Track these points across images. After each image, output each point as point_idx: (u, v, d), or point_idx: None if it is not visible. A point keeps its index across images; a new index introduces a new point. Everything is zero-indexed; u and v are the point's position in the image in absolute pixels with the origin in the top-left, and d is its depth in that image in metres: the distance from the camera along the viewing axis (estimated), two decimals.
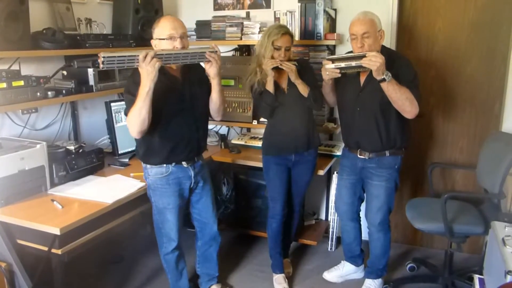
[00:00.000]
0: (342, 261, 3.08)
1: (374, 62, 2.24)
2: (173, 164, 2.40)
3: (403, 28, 3.24)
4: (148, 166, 2.42)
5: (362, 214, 2.92)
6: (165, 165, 2.39)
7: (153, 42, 2.30)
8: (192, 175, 2.48)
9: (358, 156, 2.65)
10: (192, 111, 2.40)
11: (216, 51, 2.28)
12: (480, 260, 3.15)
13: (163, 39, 2.24)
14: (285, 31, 2.61)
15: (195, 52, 2.24)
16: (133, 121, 2.17)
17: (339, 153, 3.22)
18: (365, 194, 2.78)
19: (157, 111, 2.22)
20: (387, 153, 2.58)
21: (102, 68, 2.01)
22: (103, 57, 1.97)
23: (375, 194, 2.66)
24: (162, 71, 2.29)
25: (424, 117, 3.17)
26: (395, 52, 2.70)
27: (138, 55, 2.05)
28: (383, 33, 2.46)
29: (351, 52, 2.51)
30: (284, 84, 2.74)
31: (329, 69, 2.43)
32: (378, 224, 2.68)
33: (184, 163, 2.43)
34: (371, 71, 2.31)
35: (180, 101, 2.34)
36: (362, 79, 2.54)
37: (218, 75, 2.33)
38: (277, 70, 2.64)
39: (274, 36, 2.58)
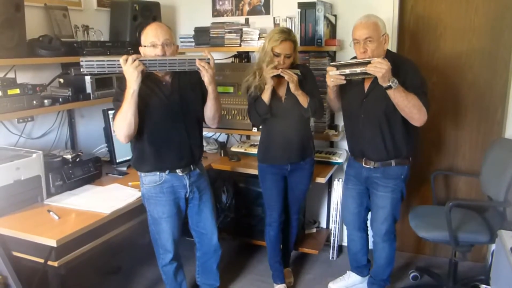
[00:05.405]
0: (347, 272, 3.03)
1: (379, 69, 2.17)
2: (167, 172, 2.36)
3: (403, 34, 3.21)
4: (143, 174, 2.39)
5: (369, 223, 2.87)
6: (158, 173, 2.35)
7: (140, 49, 2.30)
8: (187, 184, 2.43)
9: (363, 165, 2.59)
10: (182, 117, 2.35)
11: (209, 59, 2.23)
12: (484, 268, 3.12)
13: (146, 46, 2.25)
14: (285, 38, 2.50)
15: (183, 59, 2.20)
16: (120, 125, 2.17)
17: (340, 160, 3.19)
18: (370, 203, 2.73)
19: (145, 116, 2.24)
20: (393, 162, 2.51)
21: (82, 72, 2.16)
22: (82, 61, 2.13)
23: (380, 205, 2.59)
24: (150, 76, 2.28)
25: (425, 124, 3.13)
26: (400, 56, 2.63)
27: (118, 60, 2.11)
28: (387, 37, 2.40)
29: (355, 58, 2.47)
30: (282, 92, 2.66)
31: (334, 76, 2.37)
32: (383, 234, 2.63)
33: (178, 171, 2.39)
34: (376, 77, 2.26)
35: (169, 106, 2.31)
36: (367, 85, 2.48)
37: (211, 83, 2.28)
38: (278, 77, 2.54)
39: (273, 42, 2.50)
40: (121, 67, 2.11)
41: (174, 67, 2.20)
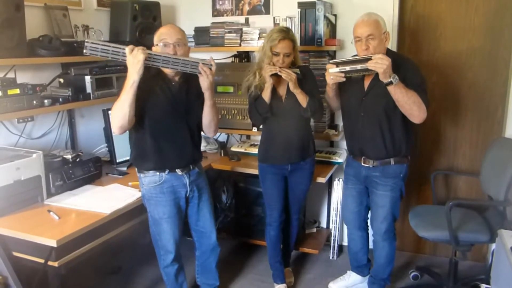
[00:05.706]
0: (348, 271, 3.03)
1: (380, 64, 2.17)
2: (167, 171, 2.36)
3: (404, 33, 3.21)
4: (142, 175, 2.39)
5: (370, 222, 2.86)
6: (158, 173, 2.35)
7: (153, 49, 2.29)
8: (187, 183, 2.43)
9: (362, 164, 2.58)
10: (185, 117, 2.37)
11: (211, 65, 2.24)
12: (484, 268, 3.12)
13: (158, 45, 2.25)
14: (284, 37, 2.48)
15: (187, 61, 2.20)
16: (115, 114, 2.16)
17: (340, 160, 3.19)
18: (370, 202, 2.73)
19: (148, 110, 2.25)
20: (392, 161, 2.51)
21: (85, 53, 2.08)
22: (87, 42, 2.07)
23: (380, 204, 2.59)
24: (161, 74, 2.29)
25: (425, 123, 3.13)
26: (400, 55, 2.64)
27: (123, 49, 2.09)
28: (388, 35, 2.40)
29: (355, 55, 2.46)
30: (282, 92, 2.66)
31: (334, 73, 2.36)
32: (383, 233, 2.63)
33: (178, 170, 2.39)
34: (376, 75, 2.26)
35: (173, 103, 2.31)
36: (366, 83, 2.47)
37: (209, 89, 2.29)
38: (277, 76, 2.53)
39: (272, 41, 2.50)
40: (125, 56, 2.10)
41: (177, 67, 2.20)
